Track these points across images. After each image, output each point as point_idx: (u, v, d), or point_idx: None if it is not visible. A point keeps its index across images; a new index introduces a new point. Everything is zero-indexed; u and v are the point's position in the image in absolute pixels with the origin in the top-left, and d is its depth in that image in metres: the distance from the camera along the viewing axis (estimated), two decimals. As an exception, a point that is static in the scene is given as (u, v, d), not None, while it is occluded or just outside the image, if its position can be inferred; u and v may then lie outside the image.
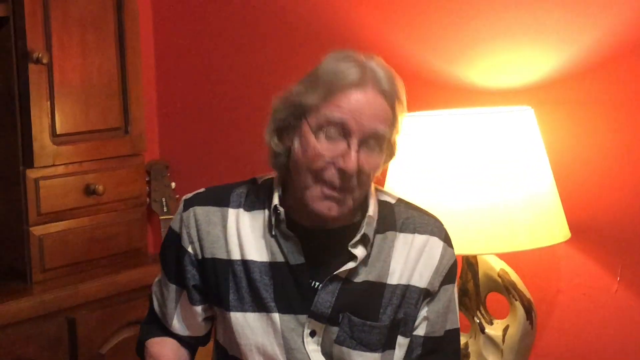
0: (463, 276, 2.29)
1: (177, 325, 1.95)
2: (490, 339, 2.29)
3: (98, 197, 2.89)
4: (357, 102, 1.75)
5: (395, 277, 1.82)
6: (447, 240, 1.88)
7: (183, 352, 1.98)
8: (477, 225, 2.16)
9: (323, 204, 1.76)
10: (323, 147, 1.75)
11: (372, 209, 1.83)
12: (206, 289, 1.88)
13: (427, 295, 1.84)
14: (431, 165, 2.21)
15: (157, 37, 3.25)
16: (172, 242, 1.91)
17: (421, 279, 1.83)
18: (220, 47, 3.11)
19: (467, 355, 2.30)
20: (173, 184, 3.16)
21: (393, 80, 1.80)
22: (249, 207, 1.87)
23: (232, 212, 1.87)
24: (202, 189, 1.93)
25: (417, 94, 2.55)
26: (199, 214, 1.87)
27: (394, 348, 1.84)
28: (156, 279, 2.00)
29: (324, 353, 1.81)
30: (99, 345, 2.80)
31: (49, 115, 2.77)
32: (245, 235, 1.84)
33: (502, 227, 2.15)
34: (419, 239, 1.84)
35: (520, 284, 2.29)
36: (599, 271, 2.42)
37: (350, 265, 1.79)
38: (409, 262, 1.83)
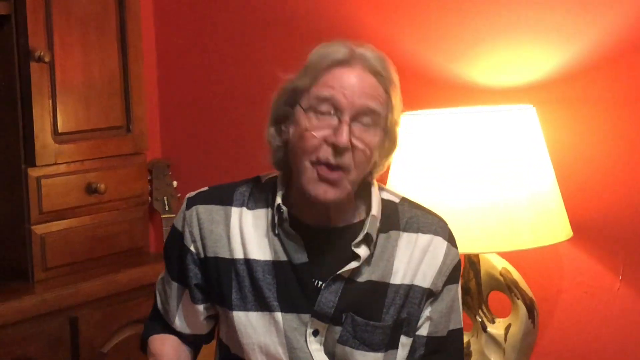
0: (465, 275, 2.29)
1: (179, 323, 1.95)
2: (492, 338, 2.29)
3: (100, 195, 2.89)
4: (345, 78, 1.75)
5: (399, 276, 1.82)
6: (451, 240, 1.87)
7: (184, 350, 1.97)
8: (479, 224, 2.15)
9: (319, 186, 1.74)
10: (314, 125, 1.75)
11: (376, 209, 1.83)
12: (208, 288, 1.88)
13: (430, 295, 1.84)
14: (433, 163, 2.21)
15: (158, 36, 3.25)
16: (175, 241, 1.91)
17: (424, 279, 1.83)
18: (222, 45, 3.10)
19: (469, 354, 2.30)
20: (175, 183, 3.16)
21: (384, 62, 1.80)
22: (252, 206, 1.86)
23: (235, 211, 1.86)
24: (206, 188, 1.93)
25: (419, 93, 2.57)
26: (202, 213, 1.87)
27: (397, 348, 1.84)
28: (160, 276, 2.00)
29: (326, 352, 1.81)
30: (100, 344, 2.80)
31: (51, 114, 2.77)
32: (248, 234, 1.84)
33: (504, 226, 2.15)
34: (423, 238, 1.84)
35: (522, 283, 2.29)
36: (601, 270, 2.42)
37: (353, 264, 1.79)
38: (412, 261, 1.83)
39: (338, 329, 1.80)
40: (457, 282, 1.89)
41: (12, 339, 2.58)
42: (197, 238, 1.87)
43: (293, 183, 1.83)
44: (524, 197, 2.17)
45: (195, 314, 1.92)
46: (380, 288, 1.81)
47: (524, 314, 2.26)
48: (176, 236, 1.91)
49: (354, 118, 1.74)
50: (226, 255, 1.84)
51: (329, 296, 1.79)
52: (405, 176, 2.26)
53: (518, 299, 2.27)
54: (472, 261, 2.30)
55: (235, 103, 3.09)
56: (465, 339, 2.26)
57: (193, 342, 1.99)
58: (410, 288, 1.82)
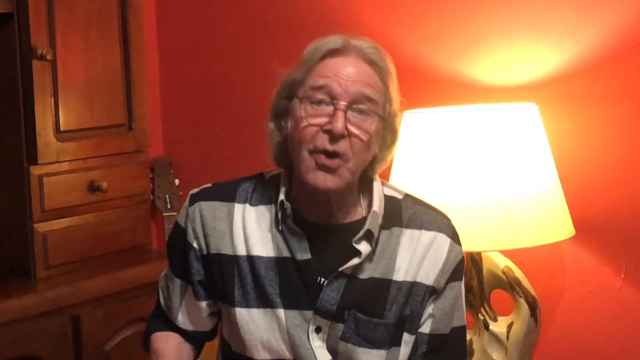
0: (467, 273, 2.28)
1: (182, 320, 1.95)
2: (495, 336, 2.29)
3: (102, 193, 2.90)
4: (340, 67, 1.76)
5: (401, 273, 1.82)
6: (454, 237, 1.87)
7: (186, 348, 1.98)
8: (481, 222, 2.15)
9: (318, 175, 1.74)
10: (310, 113, 1.75)
11: (377, 205, 1.83)
12: (211, 285, 1.88)
13: (433, 292, 1.84)
14: (435, 162, 2.21)
15: (160, 34, 3.25)
16: (178, 237, 1.91)
17: (427, 277, 1.83)
18: (224, 44, 3.10)
19: (472, 352, 2.30)
20: (177, 181, 3.16)
21: (380, 52, 1.80)
22: (256, 202, 1.86)
23: (238, 207, 1.86)
24: (209, 184, 1.93)
25: (422, 91, 2.57)
26: (205, 209, 1.87)
27: (400, 345, 1.84)
28: (163, 273, 2.00)
29: (329, 349, 1.81)
30: (103, 342, 2.81)
31: (53, 112, 2.77)
32: (251, 231, 1.84)
33: (506, 224, 2.15)
34: (426, 235, 1.84)
35: (524, 281, 2.29)
36: (603, 268, 2.42)
37: (355, 261, 1.79)
38: (415, 258, 1.82)
39: (340, 326, 1.80)
40: (461, 280, 1.88)
41: (15, 337, 2.58)
42: (200, 234, 1.87)
43: (295, 178, 1.83)
44: (527, 195, 2.17)
45: (198, 311, 1.92)
46: (383, 285, 1.81)
47: (526, 312, 2.26)
48: (179, 233, 1.91)
49: (350, 105, 1.74)
50: (229, 251, 1.84)
51: (331, 293, 1.79)
52: (407, 174, 2.26)
53: (520, 297, 2.27)
54: (475, 259, 2.30)
55: (237, 101, 3.09)
56: (468, 337, 2.26)
57: (196, 339, 1.99)
58: (412, 285, 1.82)
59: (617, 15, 2.32)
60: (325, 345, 1.81)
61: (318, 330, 1.80)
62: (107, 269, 2.88)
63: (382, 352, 1.82)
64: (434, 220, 1.86)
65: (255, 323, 1.82)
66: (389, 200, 1.86)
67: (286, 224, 1.81)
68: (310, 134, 1.74)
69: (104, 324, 2.80)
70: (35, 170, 2.74)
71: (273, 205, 1.84)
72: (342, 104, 1.74)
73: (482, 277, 2.30)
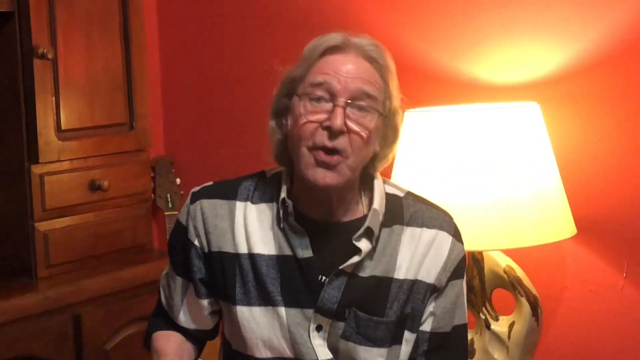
0: (469, 272, 2.28)
1: (183, 318, 1.95)
2: (496, 335, 2.28)
3: (103, 192, 2.89)
4: (339, 64, 1.76)
5: (402, 271, 1.81)
6: (456, 235, 1.87)
7: (187, 347, 1.97)
8: (482, 222, 2.15)
9: (317, 171, 1.74)
10: (309, 110, 1.75)
11: (378, 203, 1.82)
12: (212, 283, 1.88)
13: (434, 290, 1.84)
14: (437, 161, 2.20)
15: (161, 33, 3.25)
16: (179, 235, 1.91)
17: (428, 275, 1.82)
18: (225, 42, 3.10)
19: (473, 351, 2.30)
20: (178, 180, 3.16)
21: (380, 50, 1.80)
22: (257, 200, 1.86)
23: (239, 205, 1.86)
24: (211, 182, 1.93)
25: (423, 90, 2.57)
26: (206, 207, 1.87)
27: (401, 343, 1.83)
28: (164, 272, 2.00)
29: (330, 348, 1.81)
30: (104, 341, 2.81)
31: (54, 111, 2.77)
32: (253, 229, 1.83)
33: (507, 223, 2.15)
34: (427, 233, 1.83)
35: (526, 280, 2.28)
36: (605, 268, 2.41)
37: (355, 259, 1.78)
38: (416, 256, 1.82)
39: (341, 324, 1.80)
40: (462, 278, 1.88)
41: (16, 337, 2.58)
42: (201, 232, 1.87)
43: (295, 176, 1.83)
44: (528, 194, 2.17)
45: (200, 309, 1.92)
46: (384, 283, 1.81)
47: (528, 312, 2.26)
48: (180, 231, 1.91)
49: (349, 102, 1.74)
50: (230, 249, 1.84)
51: (332, 292, 1.79)
52: (408, 173, 2.26)
53: (522, 296, 2.26)
54: (476, 258, 2.30)
55: (239, 100, 3.09)
56: (469, 336, 2.26)
57: (197, 338, 1.99)
58: (414, 283, 1.82)
59: (618, 14, 2.32)
60: (326, 344, 1.81)
61: (319, 328, 1.80)
62: (108, 268, 2.88)
63: (382, 351, 1.81)
64: (436, 218, 1.86)
65: (257, 321, 1.82)
66: (390, 198, 1.86)
67: (288, 222, 1.81)
68: (309, 130, 1.74)
69: (105, 323, 2.80)
70: (36, 169, 2.74)
71: (275, 203, 1.84)
72: (341, 100, 1.73)
73: (483, 276, 2.30)
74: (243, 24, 3.05)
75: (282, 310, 1.80)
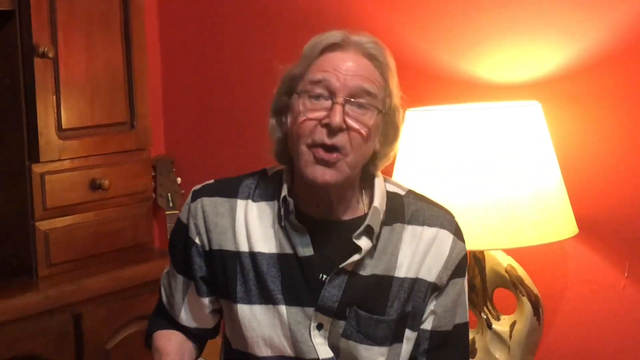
0: (470, 272, 2.28)
1: (184, 317, 1.95)
2: (498, 335, 2.28)
3: (104, 192, 2.89)
4: (339, 61, 1.75)
5: (403, 270, 1.81)
6: (457, 233, 1.86)
7: (188, 346, 1.97)
8: (484, 221, 2.15)
9: (317, 169, 1.74)
10: (308, 108, 1.75)
11: (378, 201, 1.82)
12: (213, 281, 1.88)
13: (435, 289, 1.83)
14: (438, 160, 2.20)
15: (162, 32, 3.25)
16: (180, 233, 1.91)
17: (429, 273, 1.82)
18: (226, 42, 3.10)
19: (474, 351, 2.30)
20: (179, 179, 3.16)
21: (379, 47, 1.80)
22: (258, 198, 1.86)
23: (240, 203, 1.86)
24: (212, 180, 1.93)
25: (424, 89, 2.56)
26: (207, 205, 1.87)
27: (402, 342, 1.83)
28: (165, 270, 2.00)
29: (331, 346, 1.80)
30: (104, 340, 2.80)
31: (55, 110, 2.77)
32: (254, 227, 1.83)
33: (509, 223, 2.14)
34: (428, 231, 1.83)
35: (527, 280, 2.28)
36: (606, 267, 2.41)
37: (355, 257, 1.78)
38: (417, 255, 1.82)
39: (342, 323, 1.80)
40: (464, 276, 1.88)
41: (16, 336, 2.58)
42: (202, 230, 1.86)
43: (296, 174, 1.82)
44: (530, 193, 2.17)
45: (201, 307, 1.92)
46: (385, 282, 1.80)
47: (529, 311, 2.25)
48: (181, 229, 1.90)
49: (349, 100, 1.74)
50: (231, 247, 1.84)
51: (332, 290, 1.79)
52: (409, 173, 2.25)
53: (523, 296, 2.26)
54: (477, 258, 2.29)
55: (239, 99, 3.08)
56: (470, 336, 2.25)
57: (198, 337, 1.98)
58: (415, 281, 1.82)
59: (620, 13, 2.31)
60: (326, 342, 1.80)
61: (320, 327, 1.80)
62: (108, 267, 2.88)
63: (383, 349, 1.81)
64: (437, 216, 1.85)
65: (257, 319, 1.81)
66: (391, 196, 1.86)
67: (289, 220, 1.81)
68: (308, 128, 1.74)
69: (106, 323, 2.80)
70: (37, 169, 2.74)
71: (275, 202, 1.84)
72: (341, 98, 1.73)
73: (484, 275, 2.30)
74: (243, 23, 3.05)
75: (283, 308, 1.80)
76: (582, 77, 2.38)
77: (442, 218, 1.86)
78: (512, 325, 2.28)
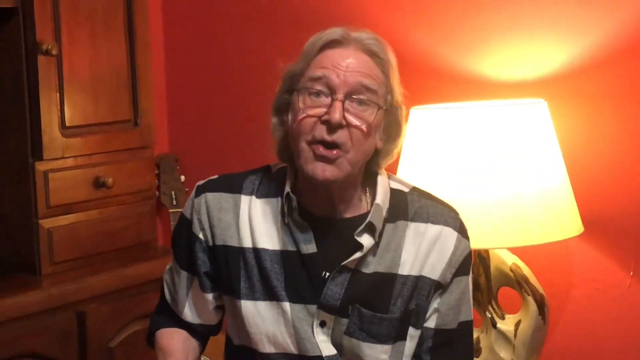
0: (475, 270, 2.27)
1: (188, 313, 1.94)
2: (502, 334, 2.27)
3: (107, 190, 2.89)
4: (339, 58, 1.75)
5: (406, 267, 1.80)
6: (462, 231, 1.85)
7: (192, 343, 1.96)
8: (489, 219, 2.14)
9: (317, 165, 1.73)
10: (308, 104, 1.74)
11: (381, 198, 1.81)
12: (217, 277, 1.87)
13: (438, 287, 1.82)
14: (443, 158, 2.19)
15: (166, 30, 3.24)
16: (183, 229, 1.90)
17: (433, 271, 1.81)
18: (230, 39, 3.09)
19: (479, 350, 2.29)
20: (182, 177, 3.16)
21: (380, 44, 1.79)
22: (262, 195, 1.85)
23: (244, 199, 1.85)
24: (216, 176, 1.92)
25: (429, 87, 2.56)
26: (211, 201, 1.86)
27: (405, 339, 1.82)
28: (167, 267, 1.99)
29: (334, 344, 1.80)
30: (108, 338, 2.80)
31: (58, 107, 2.77)
32: (257, 223, 1.83)
33: (514, 221, 2.14)
34: (432, 229, 1.82)
35: (532, 279, 2.27)
36: (612, 266, 2.40)
37: (357, 255, 1.77)
38: (420, 252, 1.81)
39: (345, 320, 1.79)
40: (468, 274, 1.87)
41: (20, 334, 2.58)
42: (206, 226, 1.86)
43: (298, 172, 1.82)
44: (535, 192, 2.16)
45: (205, 303, 1.91)
46: (388, 279, 1.80)
47: (534, 310, 2.25)
48: (185, 224, 1.90)
49: (349, 96, 1.73)
50: (235, 243, 1.83)
51: (334, 288, 1.78)
52: (414, 171, 2.25)
53: (528, 295, 2.25)
54: (482, 256, 2.29)
55: (243, 97, 3.08)
56: (475, 335, 2.25)
57: (201, 334, 1.98)
58: (418, 279, 1.81)
59: (627, 10, 2.31)
60: (329, 340, 1.80)
61: (322, 324, 1.79)
62: (112, 266, 2.88)
63: (386, 347, 1.80)
64: (441, 213, 1.84)
65: (261, 316, 1.81)
66: (395, 193, 1.85)
67: (292, 217, 1.80)
68: (308, 125, 1.73)
69: (110, 321, 2.79)
70: (40, 166, 2.74)
71: (279, 198, 1.83)
72: (340, 94, 1.73)
73: (489, 274, 2.29)
74: (248, 20, 3.04)
75: (287, 305, 1.79)
76: (588, 74, 2.37)
77: (446, 215, 1.85)
78: (517, 324, 2.27)
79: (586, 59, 2.37)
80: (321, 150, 1.72)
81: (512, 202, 2.14)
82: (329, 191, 1.79)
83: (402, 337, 1.82)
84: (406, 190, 1.87)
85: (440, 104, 2.38)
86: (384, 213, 1.80)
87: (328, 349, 1.79)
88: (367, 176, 1.85)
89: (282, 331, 1.80)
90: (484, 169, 2.15)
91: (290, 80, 1.80)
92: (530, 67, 2.45)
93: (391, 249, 1.80)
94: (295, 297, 1.79)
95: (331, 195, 1.80)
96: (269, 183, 1.87)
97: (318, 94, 1.74)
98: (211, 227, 1.85)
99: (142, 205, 3.03)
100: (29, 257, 2.76)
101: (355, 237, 1.77)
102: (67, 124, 2.79)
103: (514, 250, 2.31)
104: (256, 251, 1.81)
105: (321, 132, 1.72)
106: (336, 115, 1.71)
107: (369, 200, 1.84)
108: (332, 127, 1.72)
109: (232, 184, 1.88)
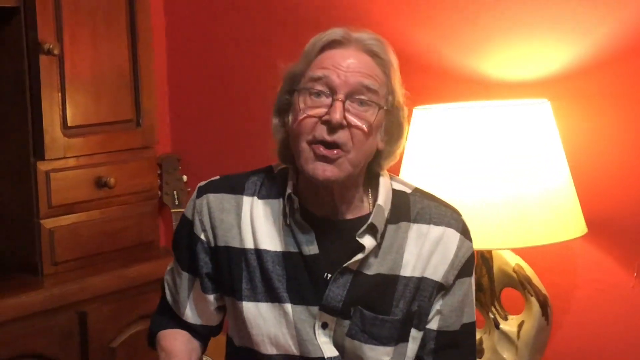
0: (478, 271, 2.27)
1: (189, 314, 1.94)
2: (505, 335, 2.27)
3: (109, 189, 2.89)
4: (339, 58, 1.75)
5: (409, 269, 1.80)
6: (464, 232, 1.84)
7: (194, 344, 1.96)
8: (492, 220, 2.14)
9: (317, 165, 1.72)
10: (309, 105, 1.74)
11: (382, 199, 1.81)
12: (219, 278, 1.87)
13: (441, 289, 1.82)
14: (446, 158, 2.19)
15: (168, 29, 3.24)
16: (185, 230, 1.90)
17: (435, 273, 1.81)
18: (232, 39, 3.09)
19: (482, 350, 2.29)
20: (185, 177, 3.16)
21: (381, 44, 1.79)
22: (264, 196, 1.85)
23: (246, 200, 1.85)
24: (217, 177, 1.92)
25: (432, 87, 2.55)
26: (212, 201, 1.86)
27: (408, 341, 1.82)
28: (168, 268, 1.99)
29: (335, 345, 1.79)
30: (109, 339, 2.80)
31: (60, 107, 2.76)
32: (259, 224, 1.82)
33: (517, 222, 2.13)
34: (435, 230, 1.81)
35: (535, 280, 2.27)
36: (615, 267, 2.40)
37: (359, 256, 1.77)
38: (423, 253, 1.80)
39: (347, 322, 1.79)
40: (471, 275, 1.86)
41: (21, 334, 2.58)
42: (208, 227, 1.85)
43: (299, 173, 1.81)
44: (538, 192, 2.15)
45: (206, 304, 1.91)
46: (390, 281, 1.79)
47: (538, 311, 2.24)
48: (186, 225, 1.89)
49: (349, 96, 1.73)
50: (237, 244, 1.83)
51: (336, 290, 1.77)
52: (417, 171, 2.24)
53: (531, 295, 2.25)
54: (485, 257, 2.28)
55: (246, 97, 3.08)
56: (478, 335, 2.24)
57: (202, 335, 1.97)
58: (420, 281, 1.80)
59: (630, 10, 2.30)
60: (331, 341, 1.79)
61: (324, 326, 1.79)
62: (114, 266, 2.87)
63: (388, 349, 1.80)
64: (444, 214, 1.84)
65: (263, 317, 1.80)
66: (397, 194, 1.84)
67: (294, 218, 1.79)
68: (309, 125, 1.73)
69: (111, 321, 2.79)
70: (42, 166, 2.73)
71: (281, 199, 1.83)
72: (341, 95, 1.72)
73: (492, 275, 2.28)
74: (250, 20, 3.04)
75: (289, 306, 1.79)
76: (592, 74, 2.37)
77: (448, 217, 1.84)
78: (520, 325, 2.27)
79: (589, 59, 2.37)
80: (322, 150, 1.72)
81: (515, 203, 2.14)
82: (330, 192, 1.78)
83: (404, 339, 1.81)
84: (408, 191, 1.87)
85: (443, 104, 2.38)
86: (386, 214, 1.80)
87: (330, 351, 1.79)
88: (369, 177, 1.84)
89: (283, 333, 1.79)
90: (486, 170, 2.15)
91: (290, 80, 1.79)
92: (533, 67, 2.45)
93: (393, 250, 1.80)
94: (297, 299, 1.78)
95: (332, 196, 1.79)
96: (271, 184, 1.86)
97: (319, 94, 1.74)
98: (213, 228, 1.85)
99: (144, 206, 3.03)
100: (30, 257, 2.76)
101: (357, 239, 1.77)
102: (69, 124, 2.79)
103: (517, 251, 2.30)
104: (258, 252, 1.81)
105: (322, 132, 1.72)
106: (337, 116, 1.71)
107: (371, 202, 1.84)
108: (332, 128, 1.71)
109: (234, 185, 1.87)
